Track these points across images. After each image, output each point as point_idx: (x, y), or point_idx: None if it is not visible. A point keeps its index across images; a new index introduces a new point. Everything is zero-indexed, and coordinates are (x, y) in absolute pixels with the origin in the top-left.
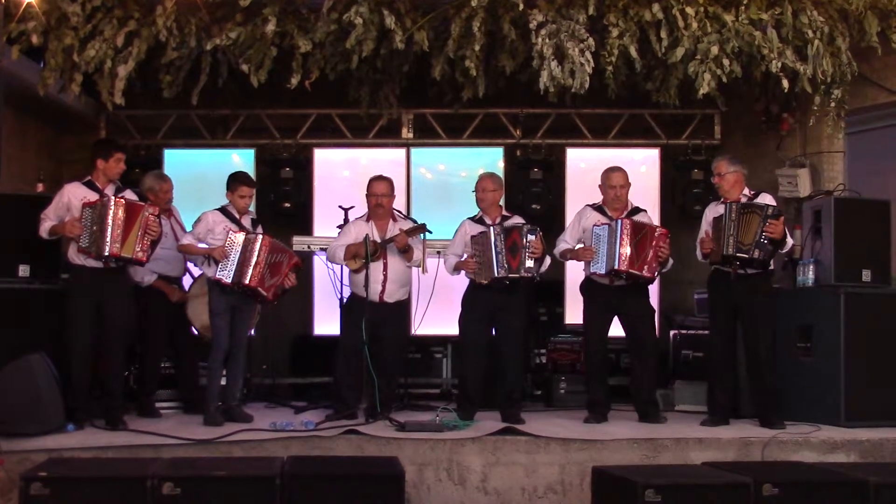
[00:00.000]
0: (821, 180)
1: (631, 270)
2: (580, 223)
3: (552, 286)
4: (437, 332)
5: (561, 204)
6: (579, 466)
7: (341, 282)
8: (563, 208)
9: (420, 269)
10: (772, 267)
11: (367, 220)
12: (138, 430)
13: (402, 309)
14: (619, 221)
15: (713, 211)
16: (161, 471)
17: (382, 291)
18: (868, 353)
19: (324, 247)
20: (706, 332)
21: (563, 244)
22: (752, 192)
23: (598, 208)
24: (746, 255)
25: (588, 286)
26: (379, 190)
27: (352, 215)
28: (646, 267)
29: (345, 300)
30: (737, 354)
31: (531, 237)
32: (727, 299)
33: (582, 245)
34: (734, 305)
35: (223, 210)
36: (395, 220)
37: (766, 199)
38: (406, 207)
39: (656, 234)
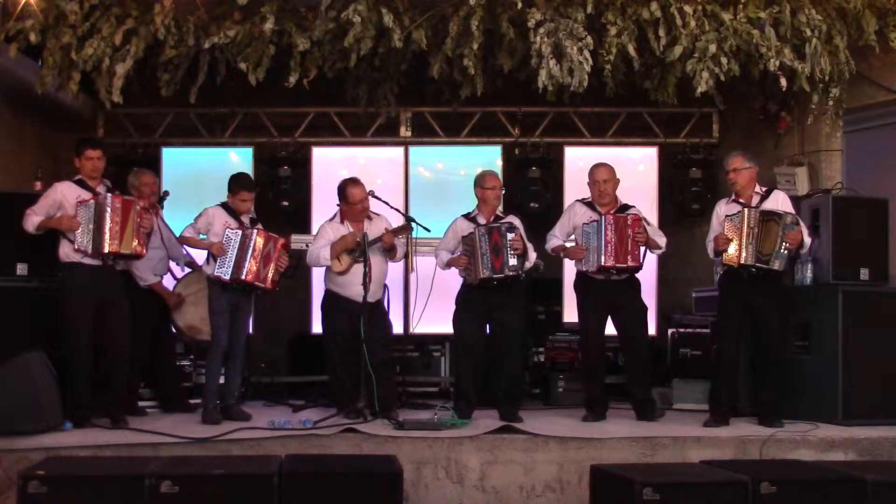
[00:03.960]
0: (819, 179)
1: (617, 265)
2: (570, 219)
3: (550, 284)
4: (436, 331)
5: (559, 202)
6: (577, 465)
7: None
8: (561, 207)
9: (409, 267)
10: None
11: (342, 222)
12: (136, 429)
13: (382, 307)
14: (603, 217)
15: (725, 209)
16: (159, 469)
17: (366, 292)
18: (866, 351)
19: None
20: (705, 330)
21: (553, 239)
22: (764, 190)
23: (587, 203)
24: (766, 266)
25: (581, 283)
26: (360, 195)
27: None
28: (629, 257)
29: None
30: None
31: (510, 235)
32: (741, 299)
33: (574, 243)
34: (748, 305)
35: (224, 206)
36: (369, 218)
37: (778, 197)
38: (405, 206)
39: (629, 221)
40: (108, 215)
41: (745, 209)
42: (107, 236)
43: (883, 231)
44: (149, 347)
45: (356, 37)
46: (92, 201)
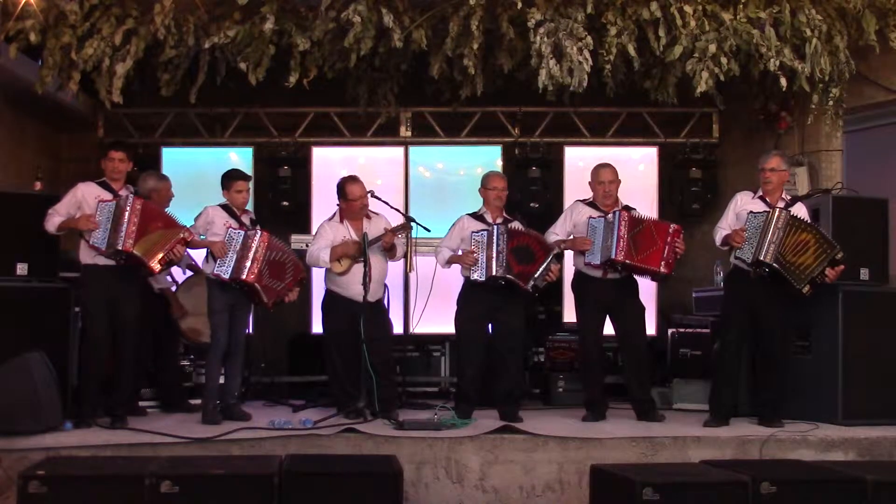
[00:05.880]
0: (819, 179)
1: (628, 262)
2: (571, 218)
3: (550, 285)
4: (436, 331)
5: (559, 202)
6: (577, 465)
7: None
8: (561, 207)
9: (409, 266)
10: None
11: (341, 221)
12: (136, 429)
13: (382, 307)
14: (617, 213)
15: (747, 202)
16: (159, 469)
17: (366, 292)
18: (866, 351)
19: None
20: (705, 330)
21: (553, 236)
22: (790, 198)
23: (589, 204)
24: (795, 284)
25: (579, 282)
26: (360, 192)
27: None
28: (662, 263)
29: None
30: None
31: (555, 265)
32: (745, 298)
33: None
34: (752, 304)
35: (224, 206)
36: (368, 217)
37: (801, 209)
38: (405, 206)
39: (670, 230)
40: (126, 214)
41: (777, 209)
42: (122, 234)
43: (883, 231)
44: (152, 348)
45: (356, 37)
46: (113, 202)
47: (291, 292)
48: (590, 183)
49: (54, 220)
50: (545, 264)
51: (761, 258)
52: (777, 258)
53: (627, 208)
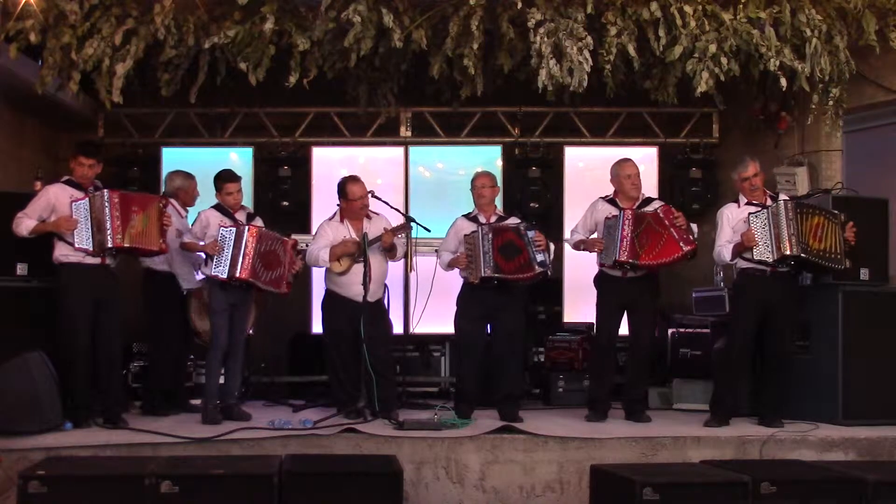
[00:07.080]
0: (819, 179)
1: (632, 261)
2: (592, 215)
3: (550, 284)
4: (436, 331)
5: (559, 202)
6: (577, 465)
7: None
8: (561, 207)
9: (409, 266)
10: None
11: (342, 221)
12: (136, 429)
13: (382, 307)
14: (622, 212)
15: (738, 211)
16: (159, 469)
17: (366, 292)
18: (866, 351)
19: None
20: (705, 330)
21: (576, 235)
22: (772, 193)
23: (610, 200)
24: (827, 265)
25: (600, 281)
26: (361, 192)
27: None
28: (681, 243)
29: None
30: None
31: (531, 234)
32: (759, 299)
33: (595, 235)
34: (764, 305)
35: (218, 207)
36: (369, 217)
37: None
38: (405, 206)
39: (660, 213)
40: (107, 210)
41: (782, 201)
42: (109, 231)
43: (883, 231)
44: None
45: (356, 37)
46: (86, 199)
47: (294, 265)
48: (611, 180)
49: (27, 224)
50: (528, 242)
51: (787, 252)
52: (803, 248)
53: (647, 201)
